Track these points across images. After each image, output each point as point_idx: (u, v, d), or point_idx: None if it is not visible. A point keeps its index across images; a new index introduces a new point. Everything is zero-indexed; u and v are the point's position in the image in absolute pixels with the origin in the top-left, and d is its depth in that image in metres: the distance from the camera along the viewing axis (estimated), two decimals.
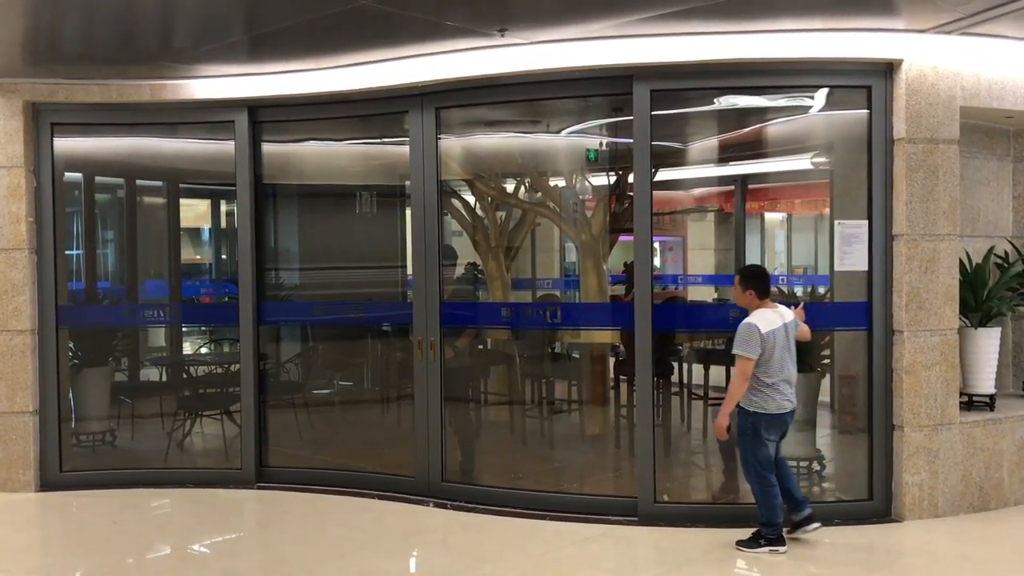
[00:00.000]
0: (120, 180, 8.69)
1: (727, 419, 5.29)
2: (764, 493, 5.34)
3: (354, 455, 7.71)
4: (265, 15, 5.41)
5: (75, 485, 7.00)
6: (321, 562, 5.30)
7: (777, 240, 13.03)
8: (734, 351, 5.28)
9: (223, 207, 9.94)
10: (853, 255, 5.94)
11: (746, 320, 5.31)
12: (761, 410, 5.29)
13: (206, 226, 10.51)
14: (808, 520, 5.43)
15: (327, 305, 7.75)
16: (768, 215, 12.38)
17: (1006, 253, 6.70)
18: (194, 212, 10.32)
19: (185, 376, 8.18)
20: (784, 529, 5.40)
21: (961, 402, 6.10)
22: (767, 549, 5.32)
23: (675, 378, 7.78)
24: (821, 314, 6.54)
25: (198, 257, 10.80)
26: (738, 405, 5.36)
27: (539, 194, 8.80)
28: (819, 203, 10.82)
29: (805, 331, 5.56)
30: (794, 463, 6.50)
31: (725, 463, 6.83)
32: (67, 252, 7.54)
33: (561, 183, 8.74)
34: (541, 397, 8.27)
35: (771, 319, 5.29)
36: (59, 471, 7.05)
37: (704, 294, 11.29)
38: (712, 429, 5.32)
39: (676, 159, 9.20)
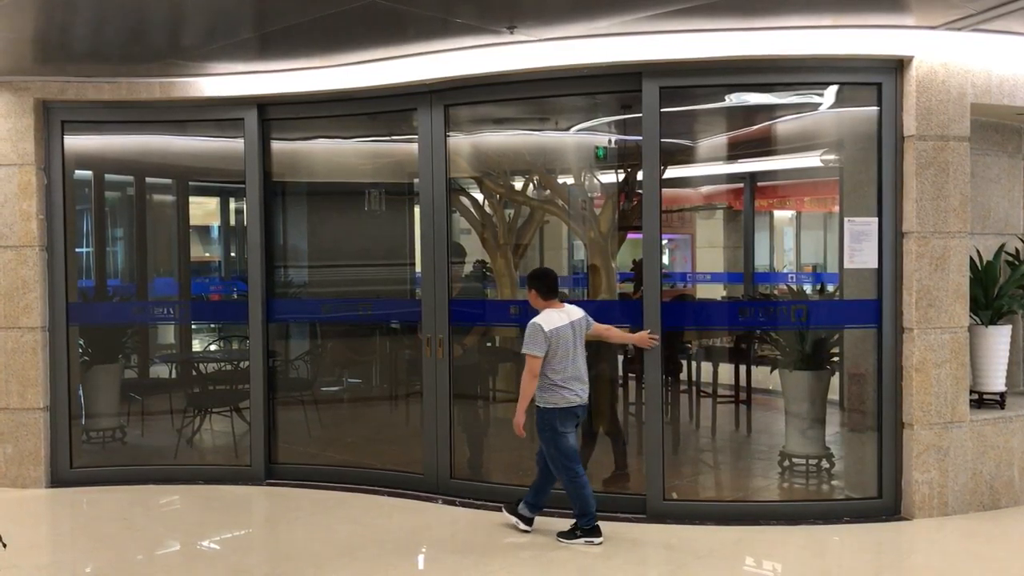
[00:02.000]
0: (130, 178, 8.71)
1: (523, 416, 5.51)
2: (573, 484, 5.51)
3: (363, 452, 7.73)
4: (274, 13, 5.42)
5: (85, 481, 7.04)
6: (330, 558, 5.31)
7: (786, 238, 13.00)
8: (523, 351, 5.51)
9: (232, 205, 9.96)
10: (863, 252, 5.93)
11: (532, 320, 5.53)
12: (553, 405, 5.50)
13: (215, 224, 10.53)
14: (523, 519, 5.69)
15: (336, 303, 7.75)
16: (777, 212, 12.36)
17: (1017, 251, 6.67)
18: (203, 210, 10.34)
19: (194, 373, 8.20)
20: (511, 506, 5.76)
21: (971, 400, 6.08)
22: (583, 540, 5.49)
23: (684, 376, 7.77)
24: (831, 312, 6.53)
25: (207, 255, 10.82)
26: (535, 405, 5.53)
27: (547, 192, 8.78)
28: (828, 200, 10.80)
29: (602, 330, 5.76)
30: (803, 460, 6.50)
31: (734, 461, 6.82)
32: (77, 249, 7.58)
33: (570, 181, 8.73)
34: None
35: (555, 318, 5.51)
36: (69, 467, 7.08)
37: (712, 292, 11.26)
38: (515, 427, 5.60)
39: (685, 156, 9.17)
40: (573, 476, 5.51)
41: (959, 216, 5.84)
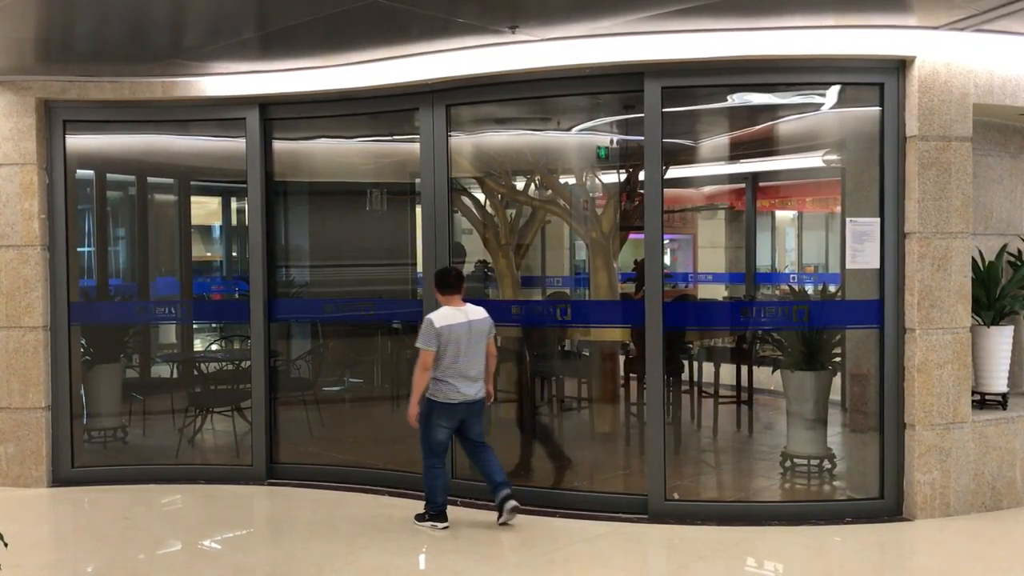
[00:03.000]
0: (132, 177, 8.72)
1: (415, 408, 5.76)
2: (428, 472, 5.85)
3: (364, 452, 7.73)
4: (276, 12, 5.42)
5: (87, 481, 7.04)
6: (331, 558, 5.31)
7: (788, 238, 13.00)
8: (416, 344, 5.74)
9: (234, 204, 9.97)
10: (864, 253, 5.92)
11: (427, 315, 5.77)
12: (433, 398, 5.76)
13: (217, 223, 10.55)
14: (505, 500, 5.78)
15: (337, 302, 7.76)
16: (779, 213, 12.36)
17: (1019, 251, 6.66)
18: (205, 209, 10.36)
19: (196, 373, 8.21)
20: (496, 507, 5.83)
21: (973, 401, 6.08)
22: (428, 524, 5.84)
23: (685, 376, 7.77)
24: (832, 312, 6.53)
25: (209, 254, 10.84)
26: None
27: (549, 191, 8.79)
28: (830, 201, 10.80)
29: (491, 349, 5.93)
30: (805, 461, 6.50)
31: (736, 461, 6.81)
32: (79, 249, 7.58)
33: (571, 180, 8.73)
34: (551, 395, 8.27)
35: (449, 315, 5.73)
36: (71, 467, 7.08)
37: (714, 292, 11.27)
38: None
39: (687, 156, 9.18)
40: (430, 466, 5.82)
41: (961, 216, 5.83)
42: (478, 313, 5.83)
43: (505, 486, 5.79)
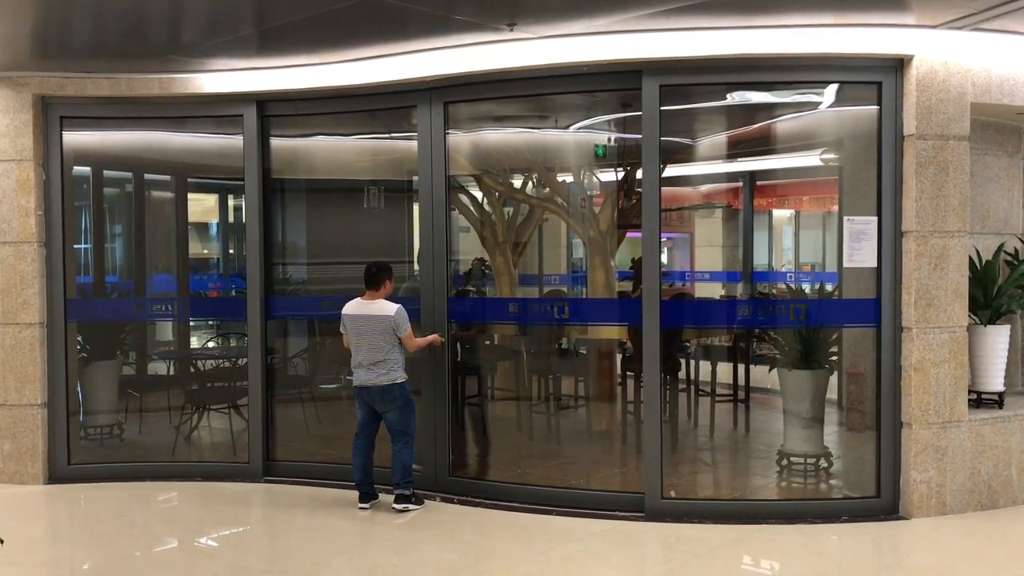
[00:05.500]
0: (129, 174, 8.70)
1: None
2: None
3: None
4: (274, 9, 5.41)
5: (83, 478, 7.03)
6: (328, 556, 5.31)
7: (785, 237, 13.00)
8: None
9: (231, 201, 9.95)
10: (862, 252, 5.92)
11: None
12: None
13: (214, 220, 10.52)
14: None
15: (334, 300, 7.72)
16: (776, 211, 12.36)
17: (1016, 250, 6.67)
18: (202, 206, 10.33)
19: (192, 370, 8.19)
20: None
21: (970, 400, 6.08)
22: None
23: (682, 374, 7.77)
24: (830, 311, 6.53)
25: (206, 251, 10.81)
26: None
27: (547, 190, 8.78)
28: (828, 199, 10.80)
29: (409, 342, 6.19)
30: (801, 459, 6.51)
31: (732, 460, 6.82)
32: (76, 246, 7.57)
33: (569, 179, 8.73)
34: (548, 393, 8.27)
35: (354, 306, 6.20)
36: (67, 464, 7.07)
37: (711, 291, 11.27)
38: None
39: (685, 155, 9.18)
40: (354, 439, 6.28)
41: (958, 215, 5.84)
42: (380, 309, 6.08)
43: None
